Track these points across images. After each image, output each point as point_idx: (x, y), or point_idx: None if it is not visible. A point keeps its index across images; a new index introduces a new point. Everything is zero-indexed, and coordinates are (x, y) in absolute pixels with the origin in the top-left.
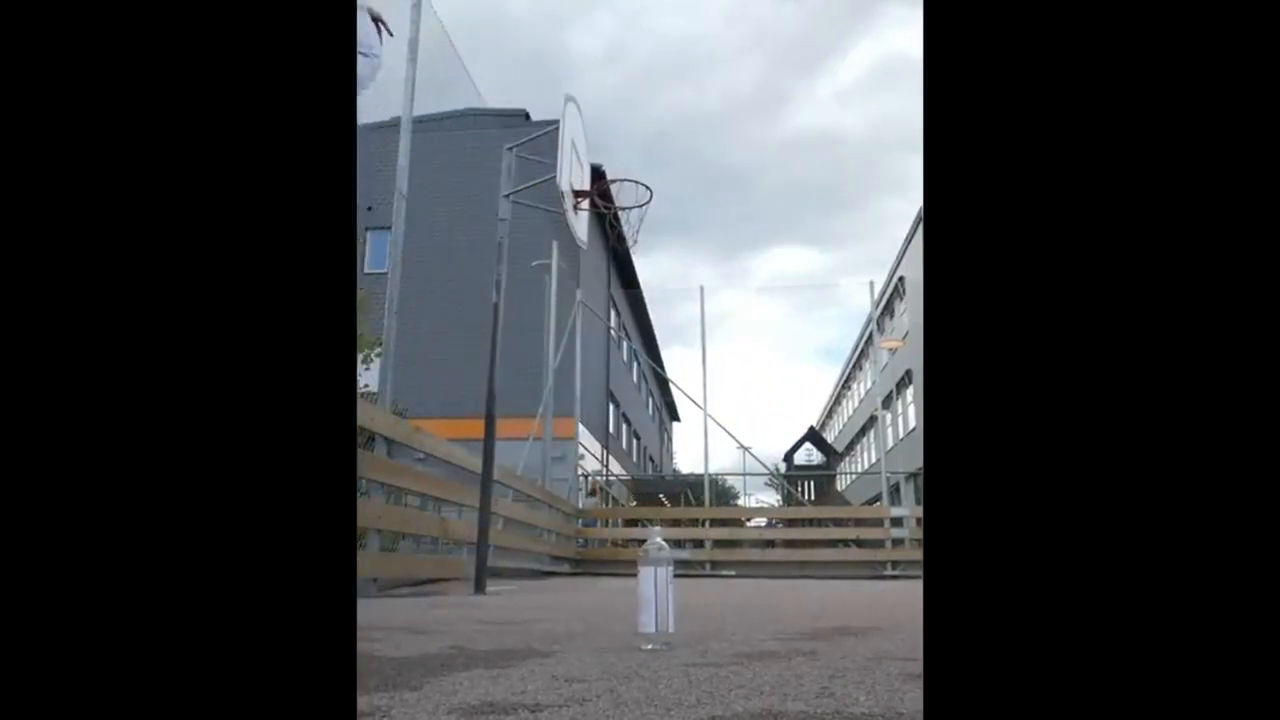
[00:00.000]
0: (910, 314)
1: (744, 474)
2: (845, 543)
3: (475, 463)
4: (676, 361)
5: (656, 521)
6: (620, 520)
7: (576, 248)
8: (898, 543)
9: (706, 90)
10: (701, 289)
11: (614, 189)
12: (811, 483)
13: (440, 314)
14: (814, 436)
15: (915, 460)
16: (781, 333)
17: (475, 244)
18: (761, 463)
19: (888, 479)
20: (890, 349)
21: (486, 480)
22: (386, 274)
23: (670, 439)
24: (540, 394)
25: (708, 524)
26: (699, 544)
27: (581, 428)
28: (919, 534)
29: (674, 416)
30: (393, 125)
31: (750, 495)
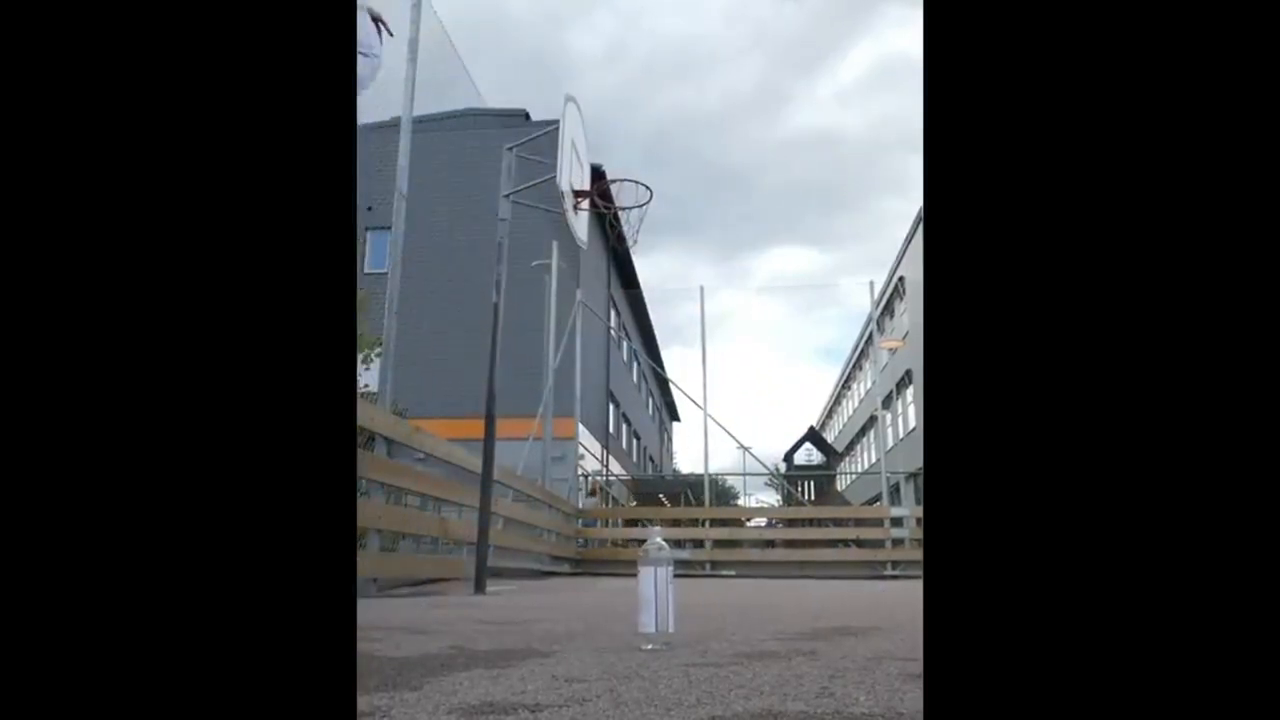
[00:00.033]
0: (910, 314)
1: (744, 474)
2: (845, 543)
3: (475, 463)
4: (676, 361)
5: (656, 521)
6: (620, 520)
7: (576, 248)
8: (898, 543)
9: (706, 90)
10: (701, 289)
11: (614, 189)
12: (811, 483)
13: (440, 314)
14: (814, 436)
15: (915, 460)
16: (781, 333)
17: (475, 244)
18: (761, 463)
19: (888, 479)
20: (890, 349)
21: (486, 480)
22: (386, 274)
23: (670, 439)
24: (540, 394)
25: (708, 524)
26: (699, 544)
27: (581, 428)
28: (919, 534)
29: (674, 416)
30: (393, 125)
31: (750, 495)
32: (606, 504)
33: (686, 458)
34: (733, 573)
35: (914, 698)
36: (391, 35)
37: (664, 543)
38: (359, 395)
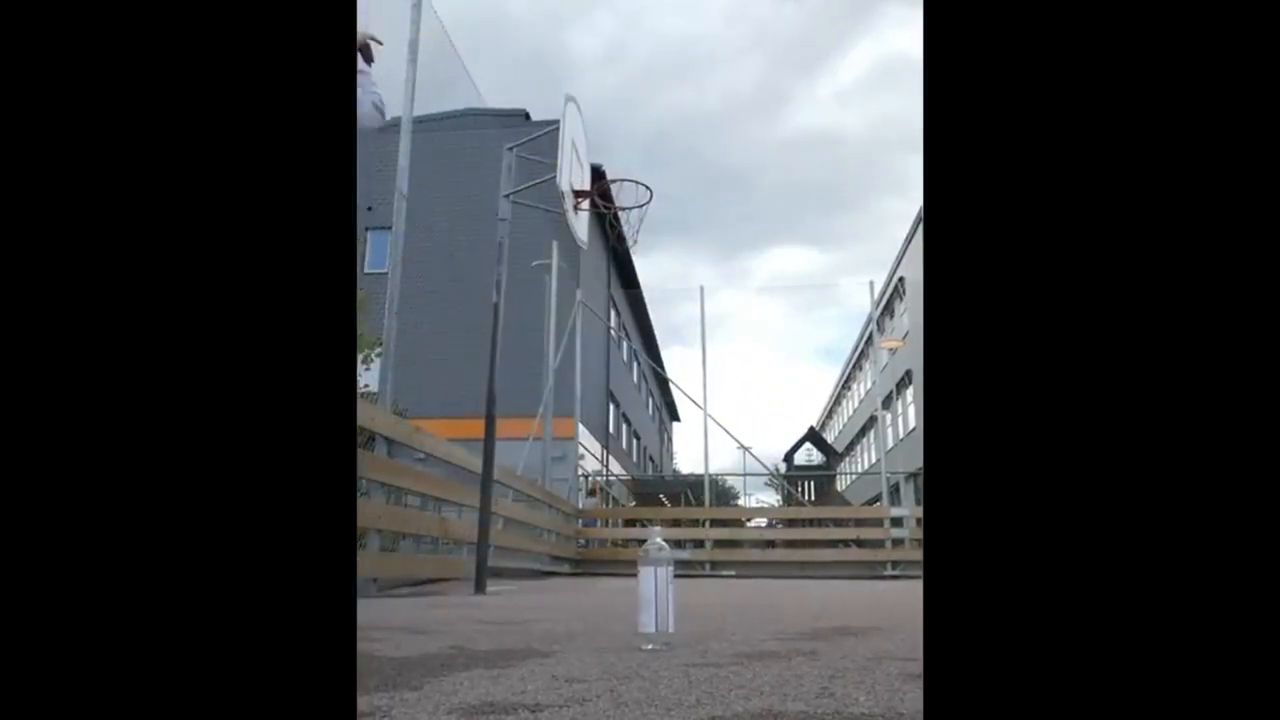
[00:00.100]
0: (910, 314)
1: (744, 474)
2: (845, 543)
3: (475, 463)
4: (676, 361)
5: (656, 521)
6: (620, 520)
7: (576, 248)
8: (898, 543)
9: (706, 90)
10: (701, 289)
11: (614, 189)
12: (811, 483)
13: (440, 314)
14: (814, 437)
15: (915, 460)
16: (781, 333)
17: (475, 244)
18: (761, 463)
19: (888, 479)
20: (890, 349)
21: (486, 480)
22: (386, 274)
23: (670, 439)
24: (540, 394)
25: (708, 524)
26: (699, 544)
27: (581, 428)
28: (919, 534)
29: (674, 416)
30: (393, 125)
31: (750, 495)
32: (606, 504)
33: (686, 458)
34: (733, 573)
35: (914, 698)
36: (381, 44)
37: (664, 543)
38: (359, 395)
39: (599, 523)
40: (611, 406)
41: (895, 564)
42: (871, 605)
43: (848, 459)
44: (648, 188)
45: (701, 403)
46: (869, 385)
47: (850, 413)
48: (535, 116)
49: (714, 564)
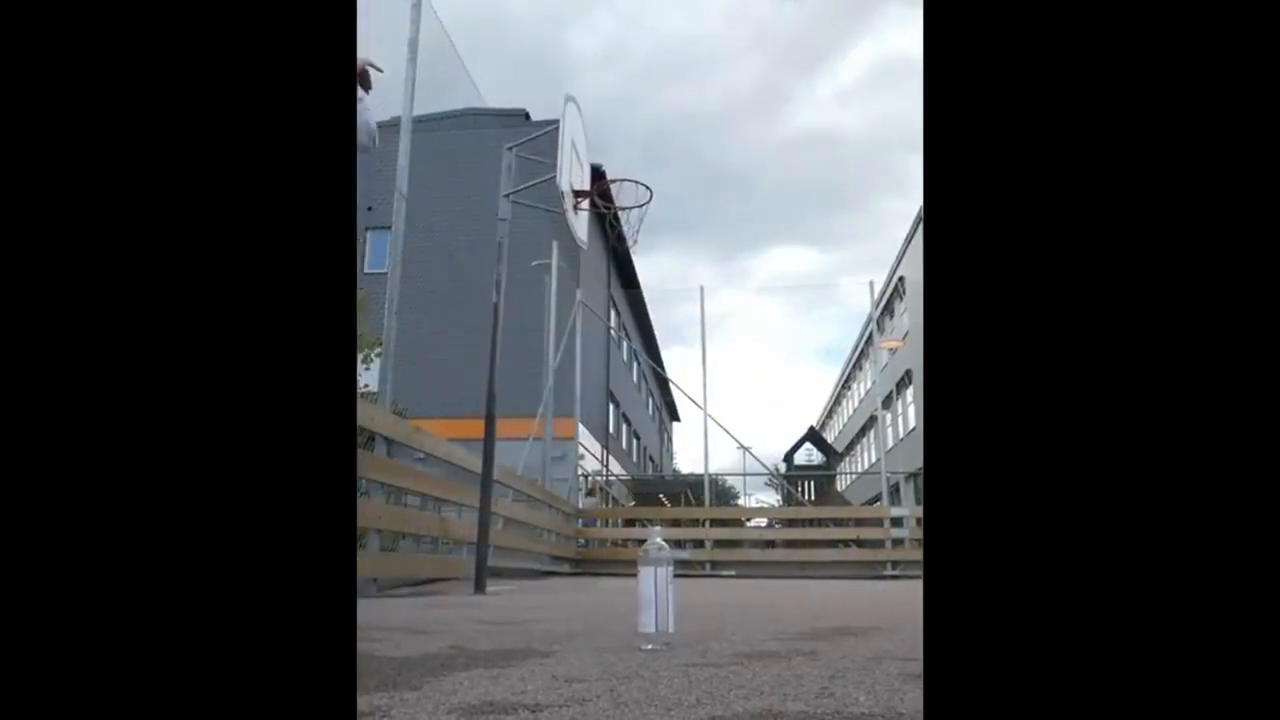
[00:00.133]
0: (910, 314)
1: (744, 474)
2: (845, 543)
3: (475, 463)
4: (676, 361)
5: (656, 521)
6: (620, 520)
7: (576, 248)
8: (898, 543)
9: (706, 90)
10: (701, 289)
11: (614, 189)
12: (811, 483)
13: (440, 314)
14: (814, 436)
15: (915, 460)
16: (781, 333)
17: (475, 244)
18: (761, 463)
19: (888, 479)
20: (890, 349)
21: (486, 480)
22: (386, 274)
23: (670, 439)
24: (540, 394)
25: (708, 524)
26: (699, 544)
27: (581, 428)
28: (919, 534)
29: (674, 416)
30: (393, 125)
31: (750, 495)
32: (606, 504)
33: (686, 458)
34: (733, 573)
35: (914, 698)
36: (382, 71)
37: (664, 543)
38: (359, 395)
39: (599, 522)
40: (611, 406)
41: (895, 564)
42: (871, 605)
43: (848, 459)
44: (648, 187)
45: (701, 403)
46: (869, 385)
47: (850, 413)
48: (535, 116)
49: (714, 564)
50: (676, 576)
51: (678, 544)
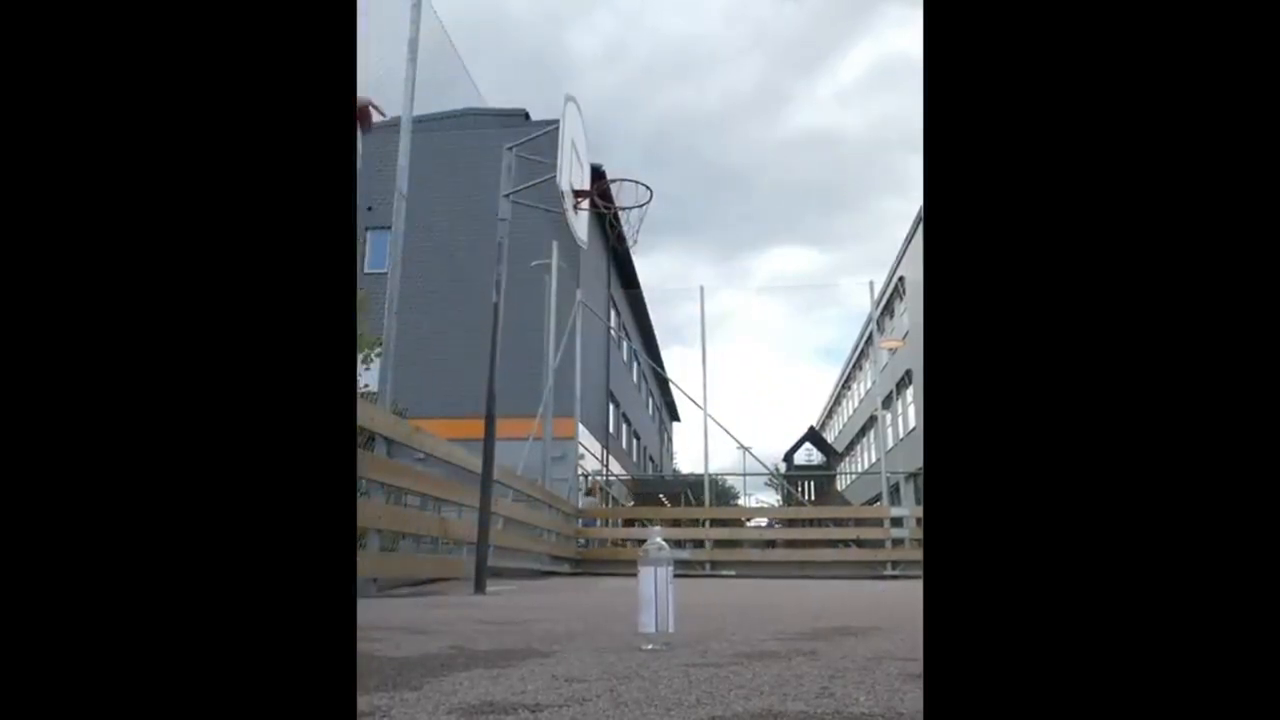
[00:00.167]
0: (910, 314)
1: (744, 474)
2: (845, 543)
3: (475, 463)
4: (676, 361)
5: (656, 521)
6: (620, 520)
7: (576, 248)
8: (898, 543)
9: (706, 90)
10: (701, 289)
11: (614, 189)
12: (811, 483)
13: (440, 314)
14: (814, 436)
15: (915, 460)
16: (781, 333)
17: (475, 244)
18: (761, 463)
19: (888, 479)
20: (890, 349)
21: (486, 480)
22: (386, 274)
23: (670, 439)
24: (540, 394)
25: (708, 524)
26: (699, 544)
27: (581, 428)
28: (919, 534)
29: (674, 416)
30: (393, 125)
31: (750, 495)
32: (606, 504)
33: (686, 458)
34: (733, 573)
35: (914, 698)
36: (384, 114)
37: (664, 543)
38: (359, 395)
39: (599, 522)
40: (611, 406)
41: (895, 564)
42: (871, 605)
43: (848, 459)
44: (648, 187)
45: (701, 403)
46: (869, 385)
47: (850, 413)
48: (535, 116)
49: (714, 564)
50: (676, 576)
51: (678, 544)
